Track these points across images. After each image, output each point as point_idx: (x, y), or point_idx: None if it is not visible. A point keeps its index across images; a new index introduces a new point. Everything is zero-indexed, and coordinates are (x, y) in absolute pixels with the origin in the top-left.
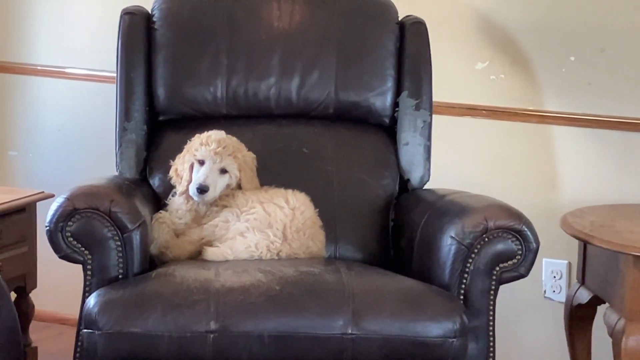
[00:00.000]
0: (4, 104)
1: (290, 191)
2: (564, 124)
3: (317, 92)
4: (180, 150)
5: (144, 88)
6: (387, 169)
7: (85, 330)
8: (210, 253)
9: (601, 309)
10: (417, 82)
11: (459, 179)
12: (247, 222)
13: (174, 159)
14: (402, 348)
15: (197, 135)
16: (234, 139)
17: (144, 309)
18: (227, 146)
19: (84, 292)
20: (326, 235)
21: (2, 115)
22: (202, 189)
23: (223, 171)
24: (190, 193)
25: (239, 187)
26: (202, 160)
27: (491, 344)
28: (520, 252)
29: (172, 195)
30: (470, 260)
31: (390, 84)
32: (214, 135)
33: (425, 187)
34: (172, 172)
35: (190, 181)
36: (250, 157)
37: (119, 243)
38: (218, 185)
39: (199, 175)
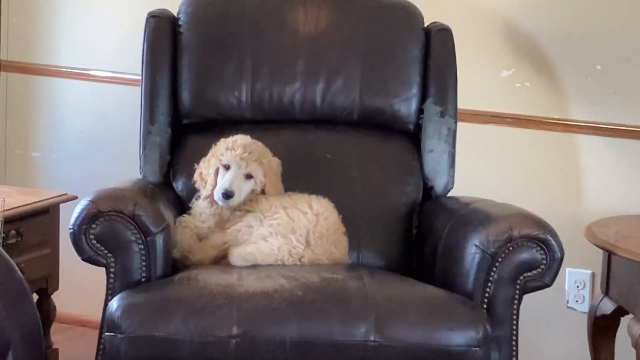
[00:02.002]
0: (28, 105)
1: (314, 197)
2: (589, 133)
3: (342, 97)
4: (204, 154)
5: (169, 91)
6: (411, 176)
7: (107, 334)
8: (236, 253)
9: (625, 320)
10: (442, 89)
11: (483, 187)
12: (270, 227)
13: (198, 163)
14: (424, 356)
15: (222, 140)
16: (260, 144)
17: (167, 313)
18: (252, 151)
19: (107, 295)
20: (349, 242)
21: (26, 116)
22: (228, 195)
23: (248, 176)
24: (215, 198)
25: (263, 192)
26: (228, 165)
27: (514, 353)
28: (544, 261)
29: (196, 199)
30: (494, 269)
31: (415, 90)
32: (240, 140)
33: (449, 194)
34: (196, 176)
35: (215, 186)
36: (275, 163)
37: (142, 246)
38: (243, 190)
39: (225, 180)
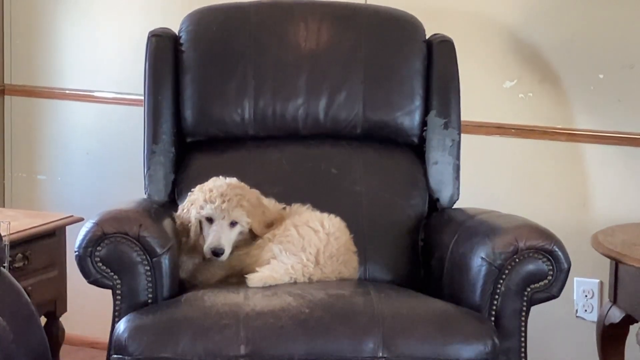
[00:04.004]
0: (33, 128)
1: (326, 215)
2: (593, 142)
3: (345, 112)
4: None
5: (172, 110)
6: (416, 189)
7: (115, 356)
8: (254, 279)
9: (634, 328)
10: (445, 100)
11: (489, 198)
12: (281, 245)
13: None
14: None
15: (198, 187)
16: (234, 182)
17: (174, 334)
18: (231, 198)
19: (114, 317)
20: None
21: (31, 139)
22: (217, 252)
23: (233, 223)
24: (205, 254)
25: (251, 230)
26: (210, 217)
27: None
28: (551, 272)
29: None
30: (501, 281)
31: (418, 103)
32: (216, 189)
33: (455, 206)
34: (178, 225)
35: (199, 235)
36: (254, 197)
37: (148, 268)
38: (231, 240)
39: (212, 237)
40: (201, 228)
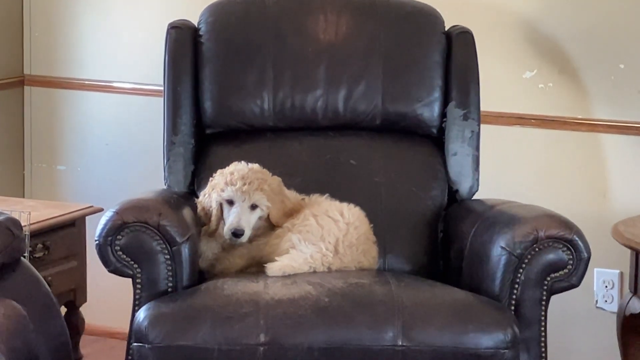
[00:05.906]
0: (53, 119)
1: (345, 205)
2: (614, 132)
3: (364, 103)
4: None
5: (191, 101)
6: (436, 180)
7: (135, 344)
8: (274, 268)
9: None
10: (464, 92)
11: (508, 189)
12: (300, 234)
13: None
14: None
15: (219, 172)
16: (256, 167)
17: (194, 323)
18: (252, 181)
19: (134, 305)
20: None
21: (50, 130)
22: (238, 233)
23: (253, 207)
24: (225, 236)
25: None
26: (231, 200)
27: (543, 354)
28: (571, 262)
29: None
30: (521, 271)
31: (437, 94)
32: (237, 172)
33: (474, 197)
34: (199, 211)
35: (220, 219)
36: (276, 184)
37: (168, 256)
38: (251, 222)
39: (232, 218)
40: (222, 212)
